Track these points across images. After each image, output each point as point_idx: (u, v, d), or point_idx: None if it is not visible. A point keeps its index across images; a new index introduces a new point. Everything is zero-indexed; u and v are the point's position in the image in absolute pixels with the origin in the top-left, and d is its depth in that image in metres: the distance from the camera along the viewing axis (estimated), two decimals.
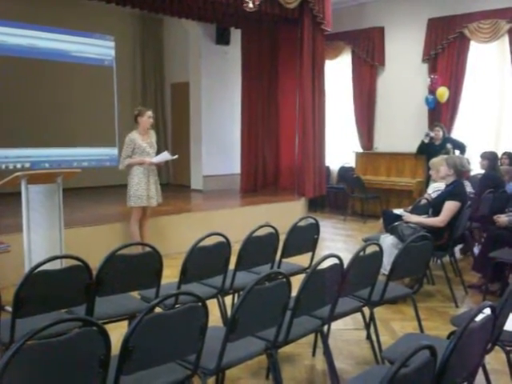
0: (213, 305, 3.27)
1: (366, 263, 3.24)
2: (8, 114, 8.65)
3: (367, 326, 3.57)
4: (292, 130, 9.20)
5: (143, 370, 2.15)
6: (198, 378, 2.42)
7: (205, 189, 9.73)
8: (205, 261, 3.42)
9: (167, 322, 2.17)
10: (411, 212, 5.12)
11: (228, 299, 3.81)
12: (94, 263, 2.94)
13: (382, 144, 9.65)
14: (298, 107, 8.72)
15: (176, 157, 5.90)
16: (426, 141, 8.00)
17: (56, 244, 4.45)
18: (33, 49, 9.09)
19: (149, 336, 2.09)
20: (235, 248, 3.58)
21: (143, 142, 5.70)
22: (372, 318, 3.42)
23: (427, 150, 7.93)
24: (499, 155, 6.99)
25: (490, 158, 6.17)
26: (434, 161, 5.58)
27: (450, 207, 4.72)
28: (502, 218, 4.98)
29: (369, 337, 3.72)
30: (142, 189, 5.66)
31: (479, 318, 2.14)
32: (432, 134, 7.96)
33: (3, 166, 8.66)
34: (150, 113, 5.75)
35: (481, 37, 8.22)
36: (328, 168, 9.93)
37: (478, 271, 5.10)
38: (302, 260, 4.19)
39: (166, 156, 5.81)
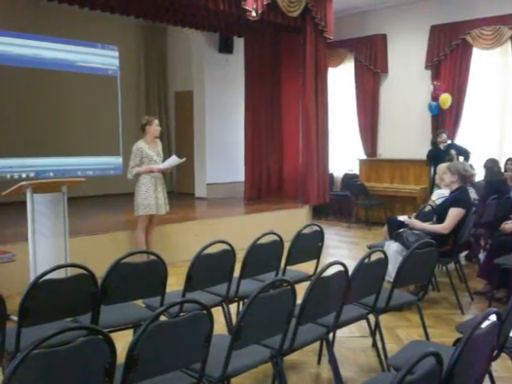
0: (218, 313, 3.26)
1: (370, 270, 3.23)
2: (13, 124, 8.70)
3: (373, 334, 3.56)
4: (295, 137, 9.22)
5: (148, 378, 2.14)
6: None
7: (209, 197, 9.75)
8: (209, 269, 3.42)
9: (172, 331, 2.17)
10: (415, 219, 5.11)
11: (233, 307, 3.80)
12: (99, 272, 2.94)
13: (385, 151, 9.65)
14: (302, 115, 8.75)
15: (184, 159, 5.85)
16: (442, 147, 7.89)
17: (61, 253, 4.46)
18: (37, 59, 9.15)
19: (154, 344, 2.09)
20: (240, 256, 3.58)
21: (150, 151, 5.72)
22: (377, 325, 3.40)
23: (433, 156, 7.93)
24: (503, 161, 6.99)
25: (487, 166, 6.20)
26: (441, 167, 5.58)
27: (454, 214, 4.71)
28: (509, 225, 4.97)
29: (374, 344, 3.70)
30: (151, 197, 5.67)
31: (485, 324, 2.13)
32: (449, 141, 7.91)
33: (8, 176, 8.70)
34: (157, 121, 5.80)
35: (483, 43, 8.23)
36: (332, 175, 9.94)
37: (483, 278, 5.07)
38: (307, 267, 4.18)
39: (174, 160, 5.79)
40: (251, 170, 9.42)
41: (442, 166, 5.49)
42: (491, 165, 6.29)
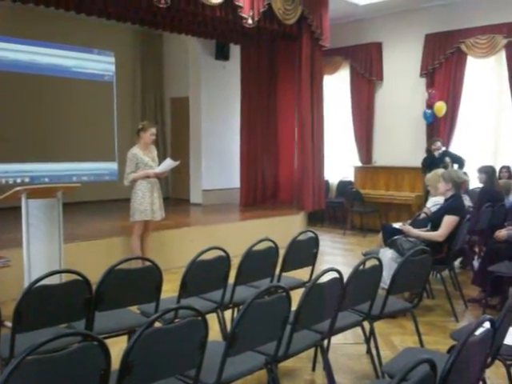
0: (212, 319, 3.26)
1: (365, 277, 3.24)
2: (8, 129, 8.67)
3: (367, 341, 3.56)
4: (291, 144, 9.25)
5: None
6: None
7: (204, 203, 9.75)
8: (204, 275, 3.42)
9: (167, 337, 2.17)
10: (410, 226, 5.12)
11: (228, 313, 3.80)
12: (94, 278, 2.93)
13: (380, 158, 9.69)
14: (297, 122, 8.79)
15: (178, 162, 5.87)
16: (437, 155, 7.93)
17: (55, 258, 4.44)
18: (33, 64, 9.14)
19: (149, 351, 2.08)
20: (235, 262, 3.58)
21: (145, 157, 5.72)
22: (372, 332, 3.40)
23: (428, 164, 7.96)
24: (498, 169, 6.99)
25: (488, 172, 6.18)
26: (429, 177, 5.59)
27: (448, 222, 4.73)
28: (502, 233, 4.98)
29: (369, 351, 3.70)
30: (147, 203, 5.66)
31: (479, 332, 2.14)
32: (443, 149, 7.97)
33: (3, 181, 8.67)
34: (153, 130, 5.75)
35: (478, 52, 8.30)
36: (327, 182, 9.95)
37: (477, 285, 5.09)
38: (302, 274, 4.18)
39: (169, 163, 5.80)
40: (247, 176, 9.43)
41: (434, 175, 5.50)
42: (492, 172, 6.25)
